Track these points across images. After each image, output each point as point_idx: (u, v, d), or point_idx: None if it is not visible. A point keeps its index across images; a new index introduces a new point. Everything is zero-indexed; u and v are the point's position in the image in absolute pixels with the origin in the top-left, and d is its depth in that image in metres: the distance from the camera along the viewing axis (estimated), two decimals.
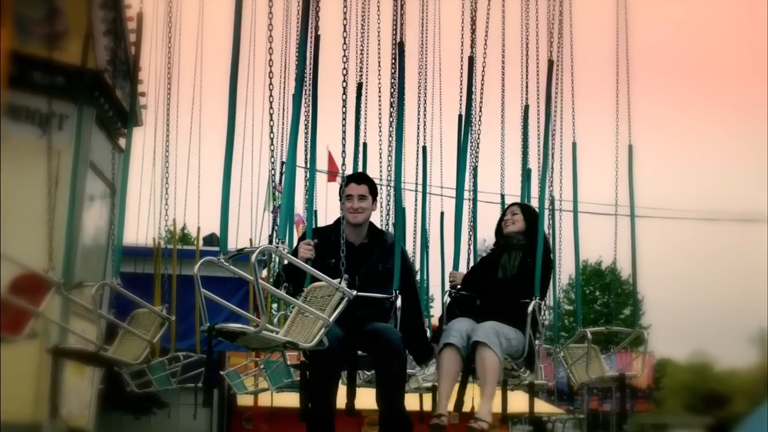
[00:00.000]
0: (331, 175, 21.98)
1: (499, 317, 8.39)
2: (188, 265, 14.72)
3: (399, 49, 9.08)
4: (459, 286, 8.95)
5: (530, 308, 8.75)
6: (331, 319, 6.99)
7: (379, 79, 11.32)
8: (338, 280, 7.11)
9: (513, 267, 8.80)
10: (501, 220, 9.24)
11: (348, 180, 8.43)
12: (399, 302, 8.01)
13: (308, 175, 8.64)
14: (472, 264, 11.89)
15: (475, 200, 11.84)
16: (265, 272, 15.78)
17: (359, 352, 8.12)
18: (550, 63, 10.58)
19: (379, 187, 11.49)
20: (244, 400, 24.32)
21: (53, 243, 9.35)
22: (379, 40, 11.52)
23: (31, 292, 8.34)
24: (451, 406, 8.19)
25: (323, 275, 7.10)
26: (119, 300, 10.09)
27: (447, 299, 8.71)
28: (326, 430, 7.83)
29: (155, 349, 12.10)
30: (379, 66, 11.45)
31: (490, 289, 8.73)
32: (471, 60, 10.14)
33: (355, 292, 7.12)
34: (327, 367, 7.85)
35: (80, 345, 9.73)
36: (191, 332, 15.35)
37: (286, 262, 7.99)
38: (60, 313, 10.81)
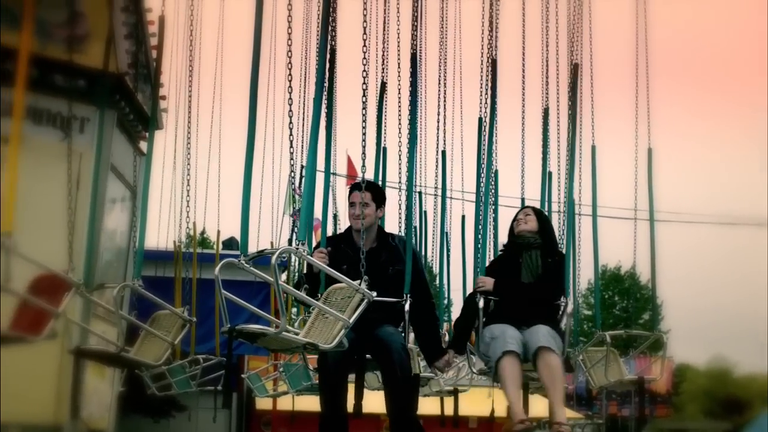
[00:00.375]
0: (351, 178, 21.99)
1: (534, 320, 8.37)
2: (208, 268, 14.83)
3: (412, 60, 9.10)
4: (489, 292, 8.68)
5: (569, 309, 8.78)
6: (351, 321, 7.02)
7: (399, 81, 11.33)
8: (358, 281, 7.15)
9: (537, 267, 8.76)
10: (513, 220, 9.21)
11: (351, 188, 8.71)
12: (407, 306, 8.06)
13: (325, 180, 8.78)
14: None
15: (496, 203, 11.85)
16: (284, 276, 15.83)
17: (368, 356, 8.25)
18: (575, 67, 10.56)
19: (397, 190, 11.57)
20: (263, 403, 24.36)
21: (74, 244, 9.37)
22: (398, 42, 11.54)
23: (51, 292, 8.35)
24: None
25: (344, 277, 7.14)
26: (141, 302, 10.13)
27: (482, 304, 8.53)
28: (341, 428, 8.01)
29: (176, 351, 12.16)
30: (399, 68, 11.47)
31: (521, 292, 8.68)
32: (494, 62, 10.12)
33: (374, 294, 7.15)
34: (335, 370, 7.98)
35: (101, 346, 9.75)
36: (211, 335, 15.43)
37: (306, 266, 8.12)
38: (81, 314, 10.85)
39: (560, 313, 8.80)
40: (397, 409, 8.00)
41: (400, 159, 11.21)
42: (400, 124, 11.03)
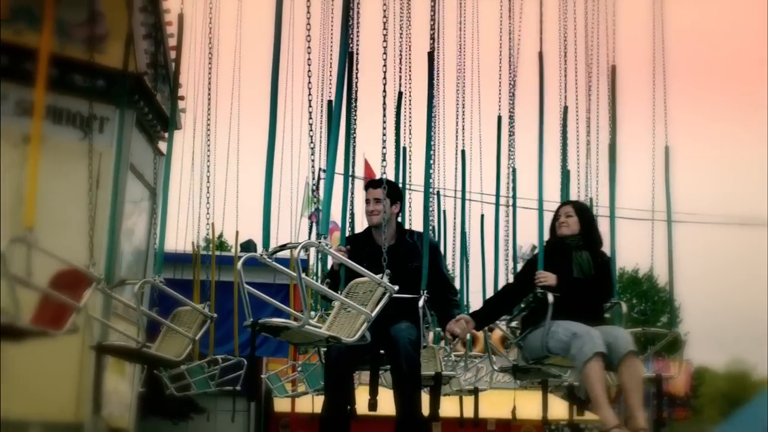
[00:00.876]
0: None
1: (597, 319, 8.34)
2: (226, 271, 14.81)
3: (429, 59, 9.11)
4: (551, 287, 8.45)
5: (624, 309, 8.77)
6: (373, 314, 7.02)
7: (409, 85, 11.32)
8: (380, 275, 7.15)
9: (590, 268, 8.64)
10: (555, 219, 9.05)
11: (365, 186, 8.85)
12: (422, 302, 8.00)
13: (344, 184, 8.85)
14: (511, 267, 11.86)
15: (514, 204, 11.84)
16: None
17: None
18: (613, 69, 10.53)
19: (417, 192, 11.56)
20: (281, 406, 24.35)
21: (94, 240, 9.36)
22: (409, 45, 11.53)
23: (72, 287, 8.36)
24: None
25: (366, 271, 7.14)
26: (161, 301, 10.15)
27: (551, 299, 8.25)
28: (340, 428, 8.02)
29: (194, 351, 12.17)
30: (409, 72, 11.46)
31: (584, 290, 8.58)
32: (540, 56, 10.02)
33: (396, 288, 7.15)
34: (336, 362, 8.07)
35: (122, 342, 9.77)
36: (229, 338, 15.44)
37: (330, 265, 8.17)
38: (102, 311, 10.87)
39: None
40: (400, 404, 7.95)
41: (409, 157, 11.22)
42: (411, 124, 11.07)
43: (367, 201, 8.61)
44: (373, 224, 8.54)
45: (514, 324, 9.51)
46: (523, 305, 9.08)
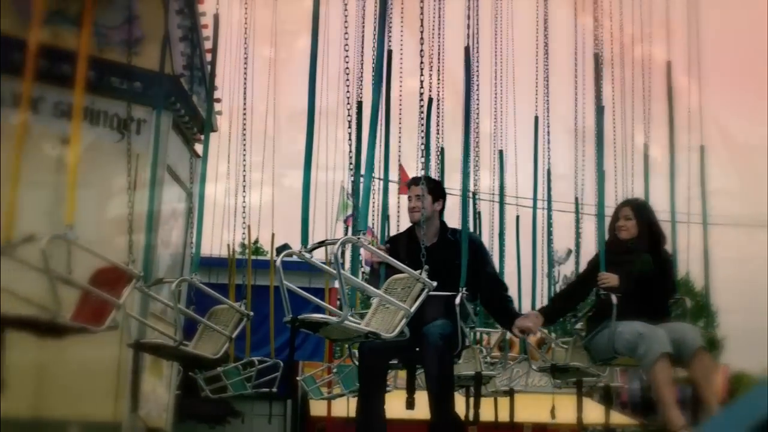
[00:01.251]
0: (404, 186, 21.93)
1: (659, 316, 8.31)
2: (262, 275, 14.83)
3: (465, 54, 9.10)
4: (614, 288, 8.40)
5: (688, 305, 8.76)
6: (412, 310, 7.01)
7: (439, 85, 11.29)
8: (419, 271, 7.14)
9: (651, 267, 8.56)
10: (614, 220, 8.99)
11: (408, 183, 8.93)
12: (458, 299, 7.96)
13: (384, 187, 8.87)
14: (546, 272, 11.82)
15: (549, 206, 11.80)
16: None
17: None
18: (668, 65, 10.44)
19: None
20: (317, 410, 24.37)
21: (132, 237, 9.39)
22: (440, 45, 11.51)
23: (112, 284, 8.42)
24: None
25: (405, 266, 7.14)
26: (198, 300, 10.17)
27: (615, 300, 8.16)
28: (376, 430, 7.98)
29: (230, 352, 12.17)
30: (439, 72, 11.43)
31: (643, 288, 8.46)
32: (596, 56, 9.94)
33: (435, 284, 7.14)
34: (372, 359, 8.06)
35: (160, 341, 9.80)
36: (265, 342, 15.44)
37: (363, 263, 8.15)
38: (139, 309, 10.90)
39: None
40: (432, 404, 7.91)
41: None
42: (438, 127, 11.04)
43: (409, 198, 8.60)
44: (415, 221, 8.51)
45: (578, 326, 9.49)
46: (587, 308, 9.10)
